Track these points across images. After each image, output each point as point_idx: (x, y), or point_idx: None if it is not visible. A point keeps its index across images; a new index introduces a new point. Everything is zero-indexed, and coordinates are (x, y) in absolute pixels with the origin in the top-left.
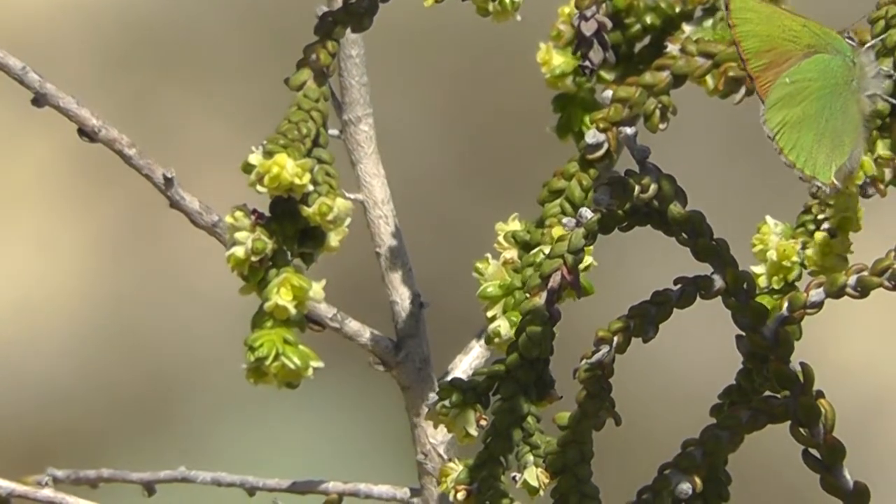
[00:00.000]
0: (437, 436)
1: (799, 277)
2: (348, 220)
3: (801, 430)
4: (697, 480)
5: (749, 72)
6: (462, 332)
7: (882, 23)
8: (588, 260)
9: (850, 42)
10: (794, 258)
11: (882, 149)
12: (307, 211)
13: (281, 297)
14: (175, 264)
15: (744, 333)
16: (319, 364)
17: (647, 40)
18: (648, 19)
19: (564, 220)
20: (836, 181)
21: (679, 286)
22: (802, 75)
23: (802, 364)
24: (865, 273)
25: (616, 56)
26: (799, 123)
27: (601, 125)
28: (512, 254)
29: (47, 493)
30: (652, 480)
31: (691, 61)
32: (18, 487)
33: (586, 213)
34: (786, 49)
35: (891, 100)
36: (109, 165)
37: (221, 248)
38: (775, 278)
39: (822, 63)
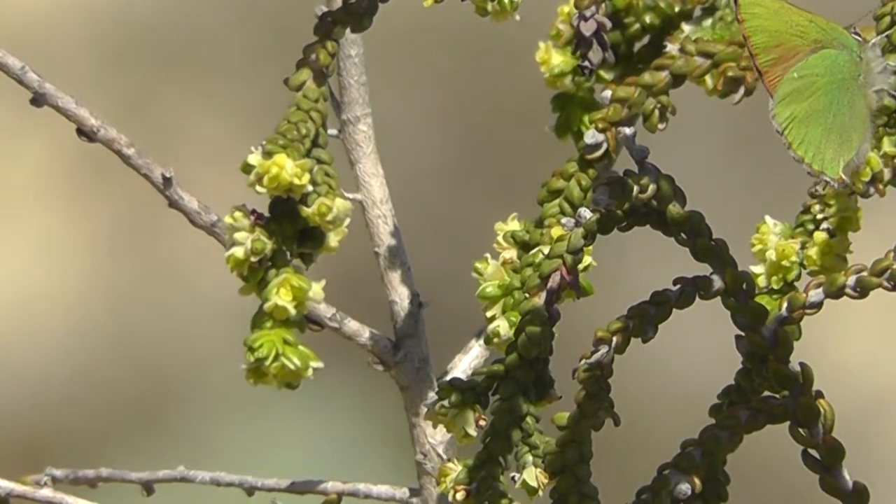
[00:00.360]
0: (436, 436)
1: (798, 277)
2: (347, 221)
3: (801, 430)
4: (696, 481)
5: (758, 67)
6: (461, 331)
7: (888, 19)
8: (587, 260)
9: (855, 37)
10: (794, 258)
11: (889, 146)
12: (306, 211)
13: (280, 297)
14: (174, 264)
15: (743, 334)
16: (319, 364)
17: (646, 40)
18: (647, 19)
19: (563, 220)
20: (844, 176)
21: (678, 286)
22: (810, 70)
23: (801, 364)
24: (865, 273)
25: (615, 56)
26: (807, 118)
27: (600, 125)
28: (511, 254)
29: (46, 492)
30: (651, 481)
31: (690, 61)
32: (17, 487)
33: (585, 213)
34: (794, 44)
35: None
36: (108, 165)
37: (220, 247)
38: (774, 278)
39: (829, 58)
